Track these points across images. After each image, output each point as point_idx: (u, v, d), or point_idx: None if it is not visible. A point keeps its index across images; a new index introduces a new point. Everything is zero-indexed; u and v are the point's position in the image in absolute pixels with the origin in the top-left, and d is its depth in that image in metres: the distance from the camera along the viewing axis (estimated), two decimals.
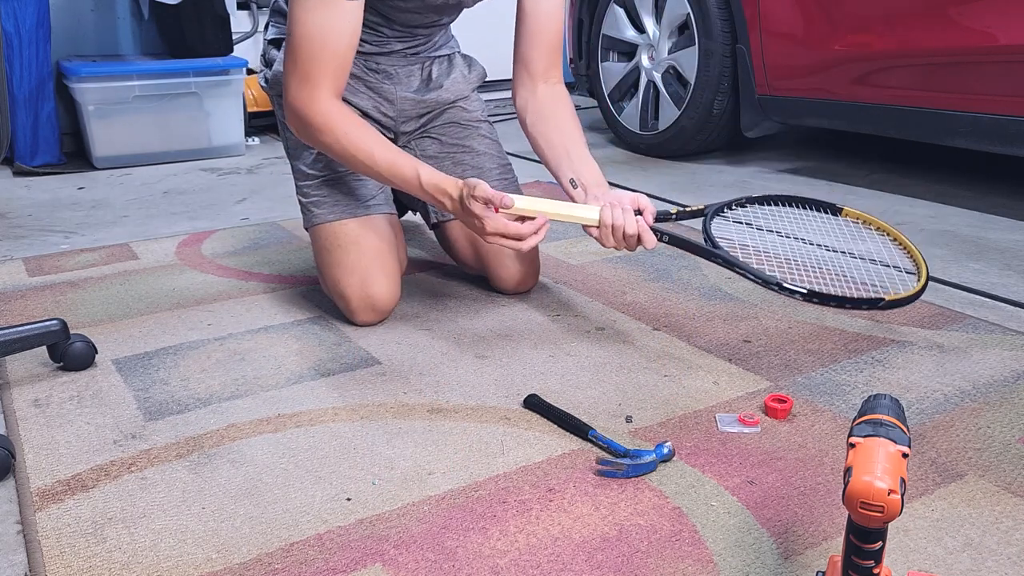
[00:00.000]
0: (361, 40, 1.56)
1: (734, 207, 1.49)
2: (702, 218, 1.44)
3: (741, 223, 1.56)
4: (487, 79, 1.80)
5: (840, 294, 1.33)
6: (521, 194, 1.71)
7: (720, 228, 1.43)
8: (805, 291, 1.28)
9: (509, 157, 1.77)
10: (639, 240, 1.33)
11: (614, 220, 1.32)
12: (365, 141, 1.36)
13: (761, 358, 1.41)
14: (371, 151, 1.35)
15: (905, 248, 1.48)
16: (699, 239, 1.38)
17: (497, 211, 1.30)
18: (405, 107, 1.64)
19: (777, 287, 1.29)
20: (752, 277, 1.31)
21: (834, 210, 1.53)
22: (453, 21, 1.65)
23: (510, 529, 0.98)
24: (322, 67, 1.32)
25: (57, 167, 2.96)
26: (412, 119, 1.66)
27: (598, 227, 1.34)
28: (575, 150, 1.47)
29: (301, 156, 1.59)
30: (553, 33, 1.53)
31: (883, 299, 1.31)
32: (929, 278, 1.40)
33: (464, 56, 1.74)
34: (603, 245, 1.36)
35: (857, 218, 1.52)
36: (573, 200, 1.41)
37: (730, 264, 1.32)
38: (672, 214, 1.44)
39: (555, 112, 1.52)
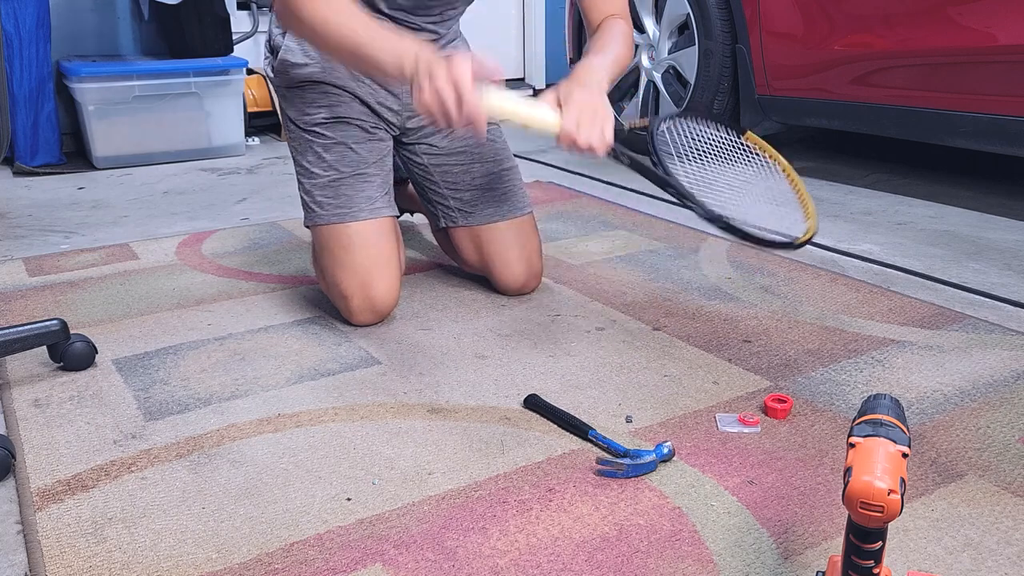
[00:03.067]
0: None
1: (664, 124, 1.45)
2: (648, 137, 1.39)
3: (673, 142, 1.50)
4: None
5: (770, 238, 1.28)
6: (528, 199, 1.71)
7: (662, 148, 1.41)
8: (744, 231, 1.26)
9: (516, 159, 1.77)
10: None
11: (574, 135, 1.25)
12: (349, 9, 1.26)
13: (761, 358, 1.41)
14: (353, 22, 1.24)
15: (796, 189, 1.44)
16: (653, 167, 1.35)
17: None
18: (410, 100, 1.62)
19: (724, 226, 1.25)
20: (699, 211, 1.27)
21: (739, 132, 1.51)
22: (453, 18, 1.64)
23: (510, 529, 0.98)
24: None
25: (57, 167, 2.95)
26: (417, 115, 1.65)
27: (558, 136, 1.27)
28: (591, 47, 1.45)
29: (306, 154, 1.58)
30: None
31: (792, 242, 1.28)
32: (815, 225, 1.35)
33: None
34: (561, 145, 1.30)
35: (756, 143, 1.50)
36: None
37: (682, 197, 1.29)
38: (624, 129, 1.41)
39: (596, 37, 1.49)
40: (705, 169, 1.53)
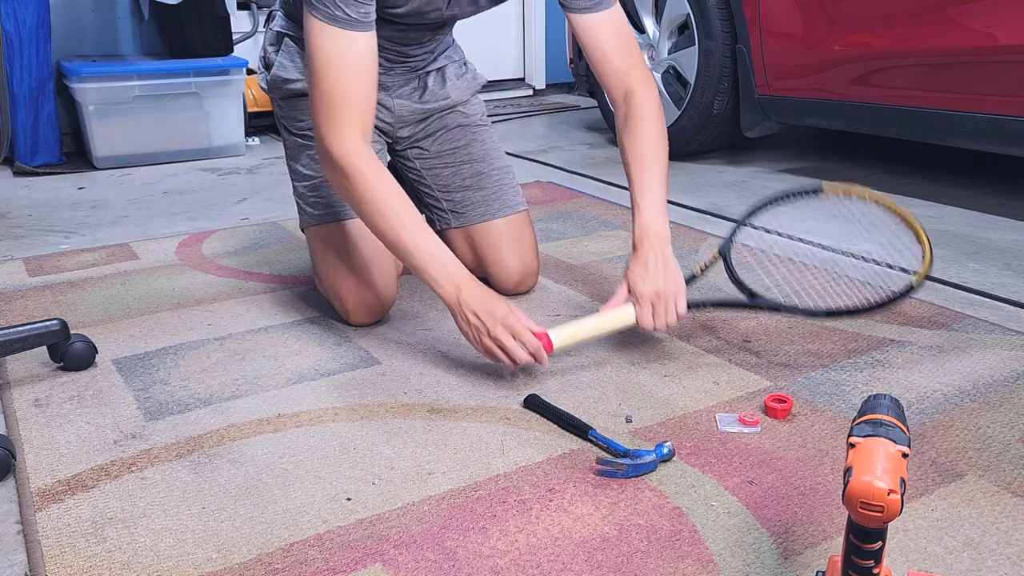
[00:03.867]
0: None
1: (734, 237, 1.49)
2: (724, 264, 1.45)
3: (751, 246, 1.56)
4: (489, 79, 1.80)
5: (878, 299, 1.34)
6: (521, 197, 1.71)
7: (740, 265, 1.45)
8: (852, 307, 1.34)
9: (509, 158, 1.77)
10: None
11: (653, 322, 1.34)
12: (393, 199, 1.30)
13: (761, 358, 1.41)
14: (398, 212, 1.29)
15: (893, 212, 1.42)
16: (736, 294, 1.43)
17: (543, 342, 1.28)
18: (403, 113, 1.64)
19: (825, 314, 1.35)
20: (801, 314, 1.37)
21: (815, 189, 1.48)
22: (445, 36, 1.64)
23: (510, 529, 0.98)
24: (343, 99, 1.28)
25: (57, 167, 2.96)
26: (409, 124, 1.66)
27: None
28: (638, 186, 1.42)
29: (299, 157, 1.59)
30: (612, 40, 1.45)
31: (911, 284, 1.32)
32: (928, 239, 1.36)
33: (461, 65, 1.73)
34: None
35: (839, 192, 1.47)
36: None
37: (776, 308, 1.39)
38: (695, 275, 1.45)
39: (632, 130, 1.45)
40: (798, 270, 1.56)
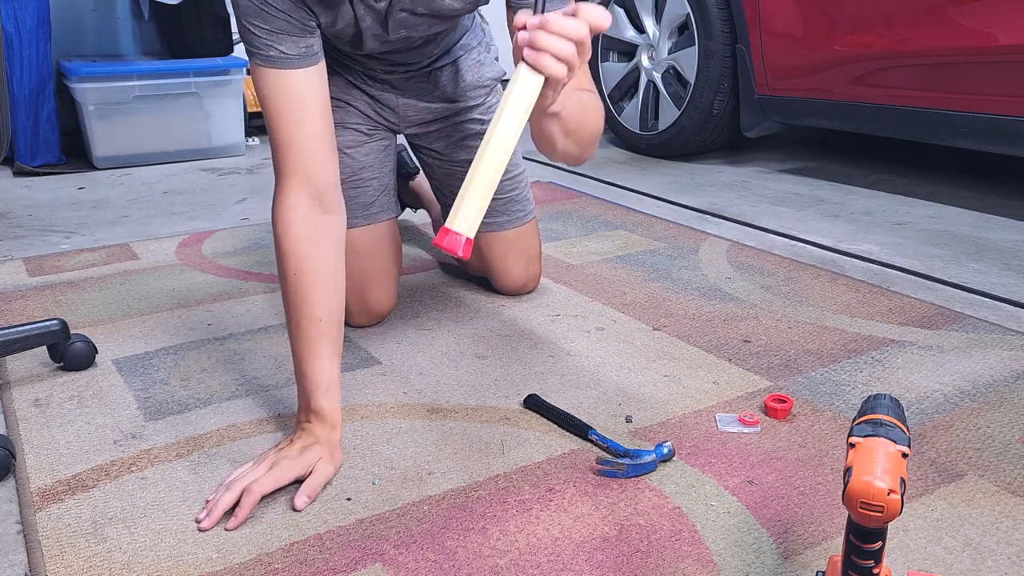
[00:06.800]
0: (352, 66, 1.53)
1: None
2: None
3: None
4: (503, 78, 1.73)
5: None
6: (531, 205, 1.68)
7: None
8: None
9: (523, 162, 1.75)
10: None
11: (563, 75, 0.93)
12: (305, 293, 1.13)
13: (761, 358, 1.41)
14: (309, 311, 1.13)
15: None
16: None
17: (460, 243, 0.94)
18: (408, 113, 1.60)
19: None
20: None
21: None
22: (444, 34, 1.52)
23: (510, 529, 0.98)
24: (288, 153, 1.16)
25: (57, 167, 2.95)
26: (416, 124, 1.63)
27: (557, 84, 0.95)
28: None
29: None
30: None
31: None
32: None
33: (480, 52, 1.63)
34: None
35: None
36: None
37: None
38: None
39: None
40: None
